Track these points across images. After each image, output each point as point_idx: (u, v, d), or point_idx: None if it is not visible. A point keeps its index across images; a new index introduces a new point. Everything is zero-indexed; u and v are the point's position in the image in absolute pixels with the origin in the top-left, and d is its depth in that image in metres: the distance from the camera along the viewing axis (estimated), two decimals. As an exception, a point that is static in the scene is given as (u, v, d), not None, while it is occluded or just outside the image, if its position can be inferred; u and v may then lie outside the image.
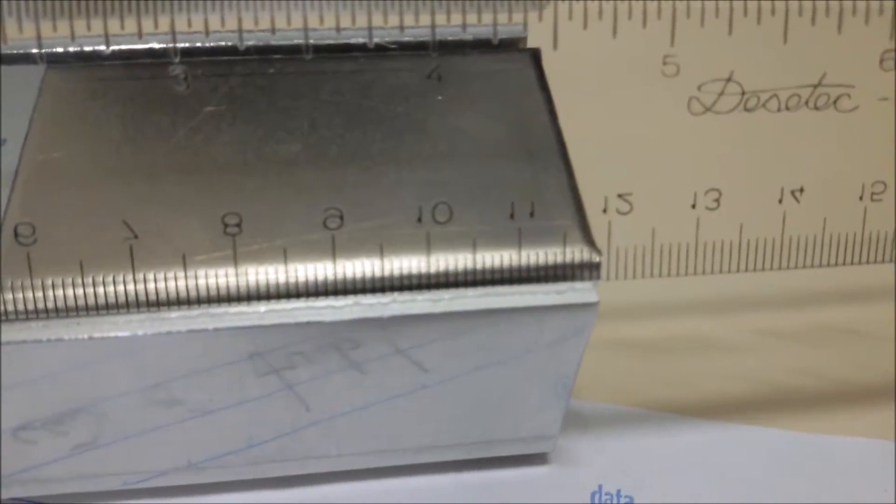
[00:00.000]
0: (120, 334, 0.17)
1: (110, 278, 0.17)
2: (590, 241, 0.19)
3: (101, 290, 0.17)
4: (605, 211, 0.19)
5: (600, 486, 0.22)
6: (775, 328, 0.26)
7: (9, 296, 0.17)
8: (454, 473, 0.22)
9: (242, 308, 0.18)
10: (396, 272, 0.18)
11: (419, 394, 0.20)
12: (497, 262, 0.18)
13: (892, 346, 0.24)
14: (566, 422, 0.21)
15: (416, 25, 0.21)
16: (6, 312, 0.17)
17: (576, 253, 0.19)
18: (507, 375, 0.20)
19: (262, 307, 0.18)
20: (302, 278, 0.18)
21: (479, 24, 0.21)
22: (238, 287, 0.18)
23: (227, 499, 0.21)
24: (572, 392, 0.20)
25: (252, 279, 0.18)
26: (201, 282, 0.18)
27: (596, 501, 0.22)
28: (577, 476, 0.22)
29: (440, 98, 0.21)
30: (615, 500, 0.22)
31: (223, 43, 0.21)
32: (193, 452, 0.20)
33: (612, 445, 0.23)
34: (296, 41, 0.21)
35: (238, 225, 0.18)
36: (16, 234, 0.18)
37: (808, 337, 0.25)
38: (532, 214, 0.19)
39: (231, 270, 0.18)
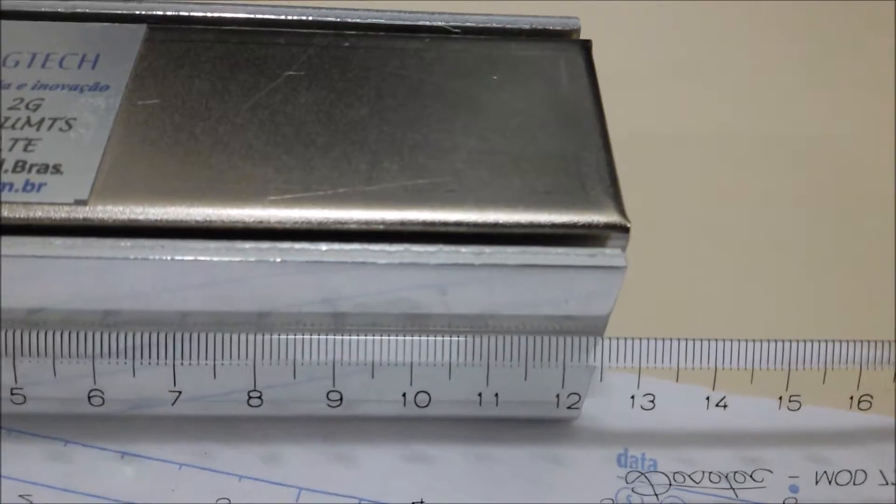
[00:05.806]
0: (199, 258, 0.19)
1: (191, 209, 0.19)
2: (621, 210, 0.20)
3: (182, 218, 0.19)
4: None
5: (626, 450, 0.23)
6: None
7: (102, 216, 0.19)
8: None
9: (306, 245, 0.19)
10: (443, 224, 0.19)
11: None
12: (534, 223, 0.20)
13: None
14: (593, 391, 0.22)
15: (478, 13, 0.23)
16: (97, 230, 0.19)
17: (608, 221, 0.20)
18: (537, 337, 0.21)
19: (324, 246, 0.19)
20: (359, 224, 0.19)
21: (537, 15, 0.23)
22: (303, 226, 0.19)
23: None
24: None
25: (315, 220, 0.19)
26: (273, 220, 0.19)
27: (622, 464, 0.23)
28: (605, 440, 0.23)
29: (495, 78, 0.22)
30: (640, 464, 0.23)
31: (304, 17, 0.23)
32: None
33: (637, 413, 0.23)
34: (370, 20, 0.23)
35: (308, 173, 0.20)
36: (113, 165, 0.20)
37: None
38: (570, 184, 0.20)
39: (298, 212, 0.19)
